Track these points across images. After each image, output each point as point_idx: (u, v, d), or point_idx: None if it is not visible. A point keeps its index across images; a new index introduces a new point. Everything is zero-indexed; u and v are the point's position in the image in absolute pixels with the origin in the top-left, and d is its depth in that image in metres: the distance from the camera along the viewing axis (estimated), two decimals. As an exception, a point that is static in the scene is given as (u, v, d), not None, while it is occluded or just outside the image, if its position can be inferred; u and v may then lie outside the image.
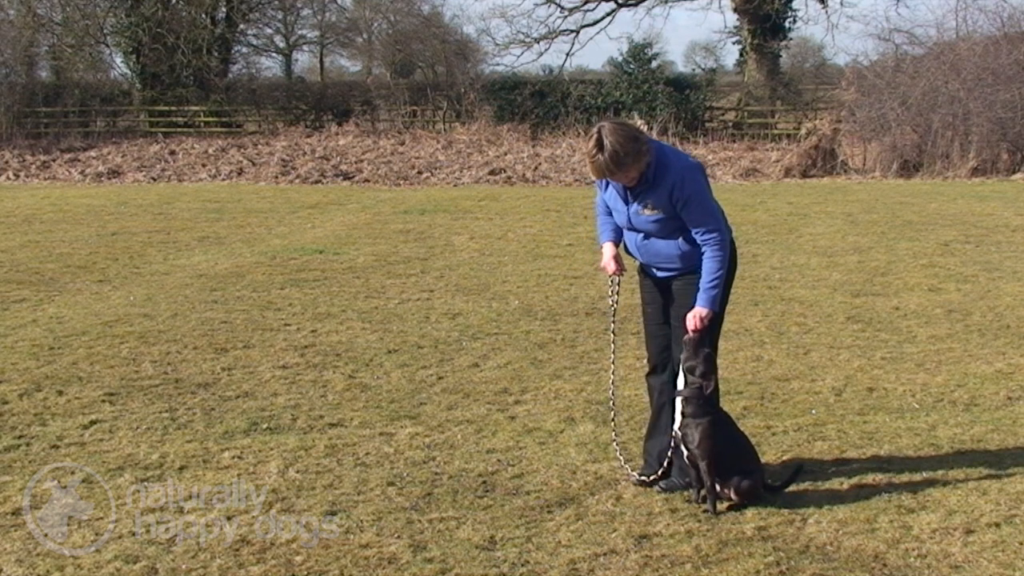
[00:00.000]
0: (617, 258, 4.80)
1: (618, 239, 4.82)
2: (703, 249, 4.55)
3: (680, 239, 4.59)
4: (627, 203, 4.62)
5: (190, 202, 16.90)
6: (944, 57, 22.00)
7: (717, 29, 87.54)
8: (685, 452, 4.50)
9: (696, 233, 4.54)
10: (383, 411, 5.87)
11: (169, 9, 29.73)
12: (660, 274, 4.74)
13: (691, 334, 4.54)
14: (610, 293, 4.97)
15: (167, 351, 7.18)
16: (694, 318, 4.54)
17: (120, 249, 11.73)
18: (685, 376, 4.54)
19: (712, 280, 4.53)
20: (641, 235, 4.68)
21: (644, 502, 4.56)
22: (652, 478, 4.72)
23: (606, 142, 4.35)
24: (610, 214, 4.80)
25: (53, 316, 8.24)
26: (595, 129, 4.43)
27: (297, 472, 4.91)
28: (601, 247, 4.86)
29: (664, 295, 4.76)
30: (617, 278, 4.85)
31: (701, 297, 4.55)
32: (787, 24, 30.87)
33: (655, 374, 4.87)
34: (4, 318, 8.19)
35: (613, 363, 5.20)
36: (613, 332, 5.10)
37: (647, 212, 4.55)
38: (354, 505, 4.52)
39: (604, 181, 4.67)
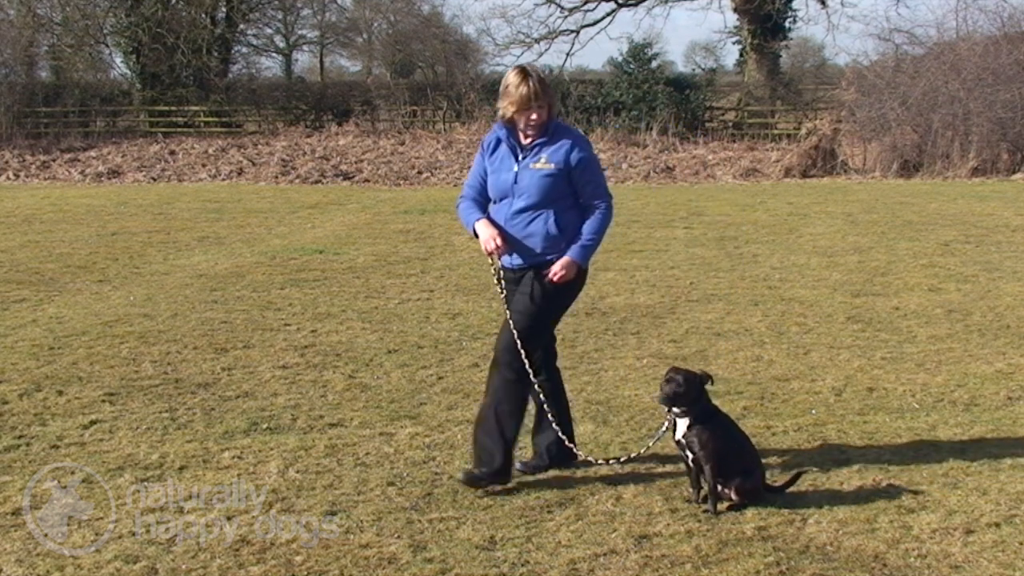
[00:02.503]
0: (502, 233, 4.66)
1: (488, 217, 4.74)
2: (590, 212, 4.66)
3: (552, 218, 4.61)
4: (517, 160, 4.67)
5: (190, 202, 16.90)
6: (944, 57, 22.01)
7: (717, 29, 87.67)
8: (690, 455, 4.50)
9: (589, 197, 4.66)
10: (383, 411, 5.86)
11: (169, 9, 29.74)
12: (516, 262, 4.69)
13: (553, 280, 4.58)
14: (496, 281, 4.79)
15: (167, 351, 7.17)
16: (560, 267, 4.58)
17: (120, 249, 11.73)
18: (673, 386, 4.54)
19: (590, 237, 4.65)
20: (516, 206, 4.65)
21: (644, 502, 4.56)
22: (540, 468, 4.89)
23: (530, 70, 4.63)
24: (481, 194, 4.79)
25: (53, 316, 8.24)
26: (514, 67, 4.72)
27: (297, 472, 4.91)
28: (474, 229, 4.74)
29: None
30: (500, 261, 4.75)
31: (574, 248, 4.62)
32: (787, 24, 30.94)
33: (536, 375, 4.74)
34: (4, 318, 8.19)
35: (528, 356, 4.69)
36: (516, 332, 4.63)
37: (539, 166, 4.62)
38: (354, 505, 4.52)
39: (493, 141, 4.77)
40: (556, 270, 4.61)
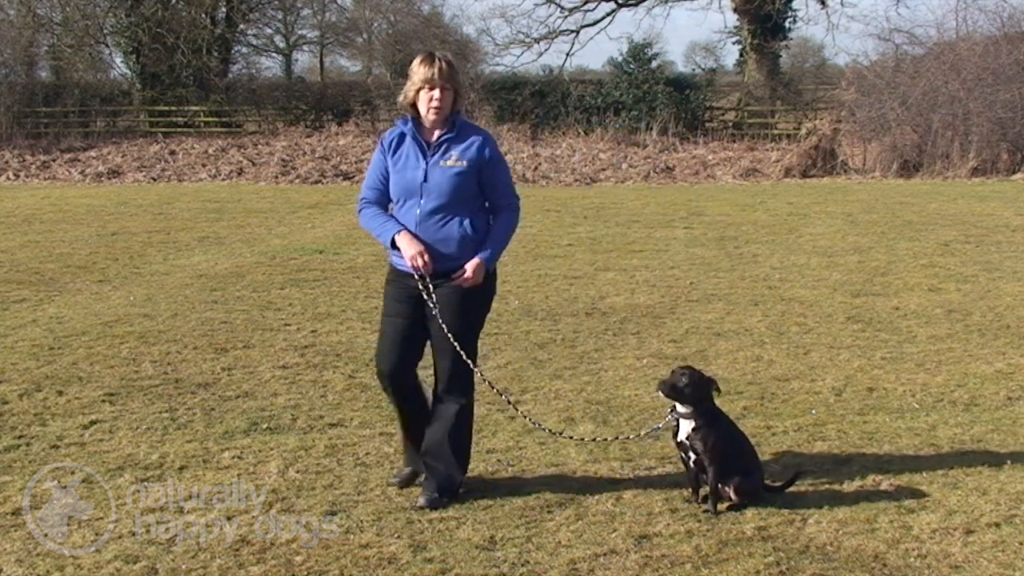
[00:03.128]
0: (429, 249, 4.41)
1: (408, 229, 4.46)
2: (500, 213, 4.53)
3: (467, 220, 4.45)
4: (426, 158, 4.47)
5: (190, 202, 16.91)
6: (944, 57, 22.02)
7: (717, 29, 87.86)
8: (692, 456, 4.50)
9: (498, 197, 4.53)
10: (383, 411, 5.86)
11: (169, 9, 29.73)
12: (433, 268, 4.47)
13: (463, 281, 4.41)
14: (426, 297, 4.47)
15: (167, 351, 7.17)
16: (470, 271, 4.41)
17: (120, 249, 11.73)
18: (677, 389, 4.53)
19: (499, 239, 4.51)
20: (426, 207, 4.42)
21: (644, 502, 4.56)
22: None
23: (438, 54, 4.48)
24: (384, 196, 4.57)
25: (53, 316, 8.24)
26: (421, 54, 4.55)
27: (297, 472, 4.90)
28: (392, 241, 4.46)
29: (420, 307, 4.51)
30: (428, 274, 4.45)
31: (483, 252, 4.45)
32: (787, 24, 30.94)
33: (398, 382, 4.63)
34: (4, 318, 8.19)
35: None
36: (465, 348, 4.49)
37: (450, 164, 4.44)
38: (354, 505, 4.52)
39: (395, 137, 4.55)
40: (467, 275, 4.43)
